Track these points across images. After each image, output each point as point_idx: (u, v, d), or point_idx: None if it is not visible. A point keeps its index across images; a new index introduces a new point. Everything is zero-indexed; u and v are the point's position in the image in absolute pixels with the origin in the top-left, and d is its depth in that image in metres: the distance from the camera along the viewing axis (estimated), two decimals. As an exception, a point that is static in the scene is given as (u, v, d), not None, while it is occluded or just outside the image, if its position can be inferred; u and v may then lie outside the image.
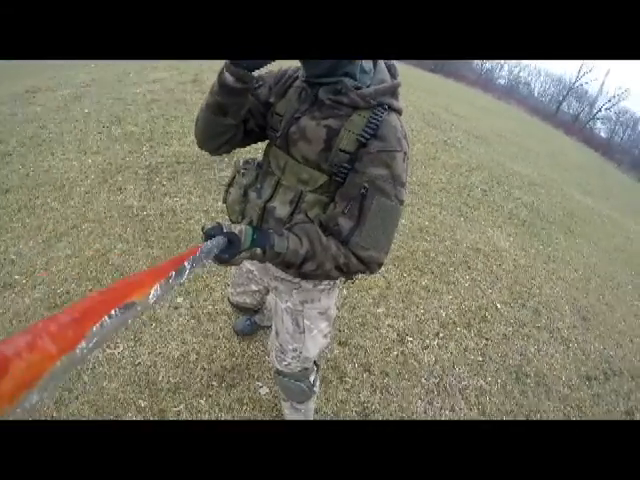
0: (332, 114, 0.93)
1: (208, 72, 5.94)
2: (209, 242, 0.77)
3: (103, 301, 0.43)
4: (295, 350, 1.22)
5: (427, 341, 2.24)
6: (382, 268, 0.97)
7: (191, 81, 5.56)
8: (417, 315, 2.40)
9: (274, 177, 1.04)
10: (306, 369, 1.30)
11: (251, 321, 1.96)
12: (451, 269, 2.92)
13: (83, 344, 0.37)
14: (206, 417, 1.63)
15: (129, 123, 4.13)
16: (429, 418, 1.84)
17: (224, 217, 2.77)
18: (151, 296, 0.51)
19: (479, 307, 2.63)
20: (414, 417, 1.82)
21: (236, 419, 1.64)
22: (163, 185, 3.13)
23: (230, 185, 1.16)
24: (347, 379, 1.88)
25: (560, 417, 2.07)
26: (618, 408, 2.29)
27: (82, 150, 3.60)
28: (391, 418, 1.77)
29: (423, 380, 1.99)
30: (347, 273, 0.94)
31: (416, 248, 3.01)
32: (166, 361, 1.76)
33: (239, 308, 1.66)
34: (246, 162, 1.15)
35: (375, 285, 2.50)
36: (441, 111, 7.08)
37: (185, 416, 1.60)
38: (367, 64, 0.94)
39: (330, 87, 0.92)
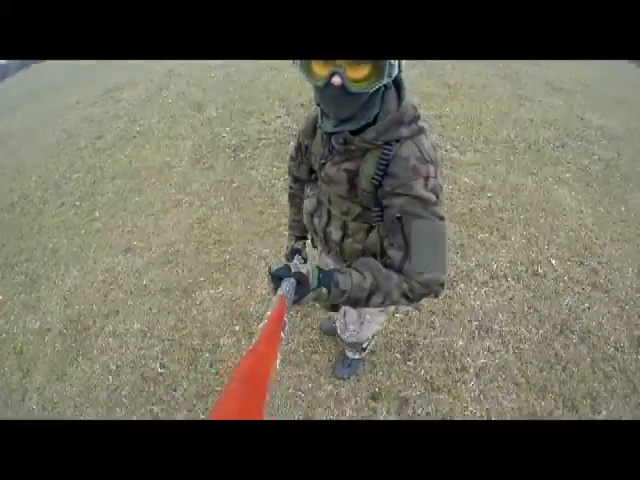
0: (348, 157, 1.02)
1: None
2: (285, 286, 0.83)
3: (257, 402, 0.54)
4: (354, 330, 1.55)
5: (475, 288, 2.55)
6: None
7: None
8: (468, 265, 2.70)
9: (326, 207, 1.20)
10: (360, 343, 1.69)
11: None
12: (509, 225, 3.09)
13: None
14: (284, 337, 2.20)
15: (211, 107, 4.77)
16: (468, 355, 2.20)
17: None
18: (278, 366, 0.63)
19: (532, 262, 2.81)
20: (454, 352, 2.20)
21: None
22: (248, 160, 3.75)
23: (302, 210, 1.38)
24: (396, 315, 2.30)
25: (600, 376, 2.18)
26: (672, 377, 2.20)
27: (173, 137, 4.33)
28: (432, 351, 2.17)
29: (466, 321, 2.34)
30: (413, 299, 0.96)
31: (476, 205, 3.23)
32: (256, 297, 2.40)
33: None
34: (311, 188, 1.30)
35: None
36: (519, 62, 6.72)
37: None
38: (375, 98, 0.95)
39: (338, 136, 0.99)
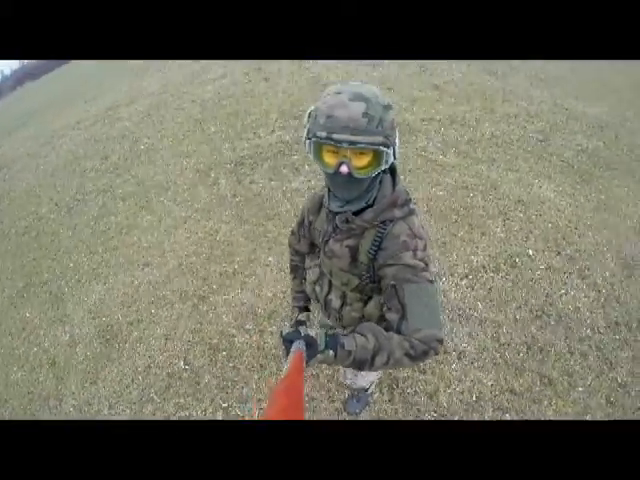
0: (349, 235, 1.19)
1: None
2: (300, 346, 0.95)
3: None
4: (351, 379, 1.83)
5: (456, 281, 2.95)
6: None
7: (255, 69, 6.46)
8: (450, 260, 3.10)
9: (327, 277, 1.37)
10: (360, 388, 1.99)
11: None
12: (489, 221, 3.46)
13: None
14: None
15: (209, 124, 5.26)
16: (450, 340, 2.59)
17: (297, 196, 3.82)
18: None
19: (510, 254, 3.17)
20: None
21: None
22: (248, 175, 4.26)
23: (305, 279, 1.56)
24: (382, 311, 2.73)
25: (576, 355, 2.48)
26: (647, 356, 2.46)
27: (176, 155, 4.81)
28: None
29: (447, 311, 2.75)
30: (416, 357, 1.02)
31: (457, 205, 3.64)
32: (263, 299, 2.87)
33: None
34: (311, 259, 1.50)
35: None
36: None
37: (276, 333, 2.69)
38: (375, 182, 1.13)
39: (341, 216, 1.17)
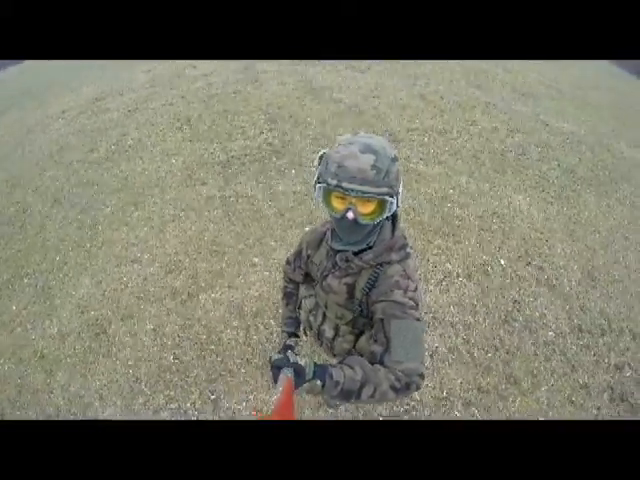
0: (348, 273, 1.30)
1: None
2: (289, 374, 0.98)
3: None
4: None
5: (430, 287, 3.21)
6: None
7: (245, 69, 6.60)
8: (425, 267, 3.35)
9: (322, 309, 1.48)
10: None
11: None
12: (465, 231, 3.73)
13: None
14: (274, 329, 2.88)
15: (197, 122, 5.39)
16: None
17: (283, 199, 4.02)
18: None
19: (483, 263, 3.45)
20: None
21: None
22: (236, 176, 4.43)
23: (300, 307, 1.66)
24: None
25: (541, 357, 2.73)
26: (607, 360, 2.74)
27: (164, 152, 4.94)
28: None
29: (422, 313, 2.99)
30: (400, 390, 1.04)
31: (435, 214, 3.89)
32: (250, 298, 3.09)
33: None
34: (306, 289, 1.60)
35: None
36: (492, 67, 7.37)
37: (262, 330, 2.89)
38: (377, 227, 1.22)
39: (342, 255, 1.28)
